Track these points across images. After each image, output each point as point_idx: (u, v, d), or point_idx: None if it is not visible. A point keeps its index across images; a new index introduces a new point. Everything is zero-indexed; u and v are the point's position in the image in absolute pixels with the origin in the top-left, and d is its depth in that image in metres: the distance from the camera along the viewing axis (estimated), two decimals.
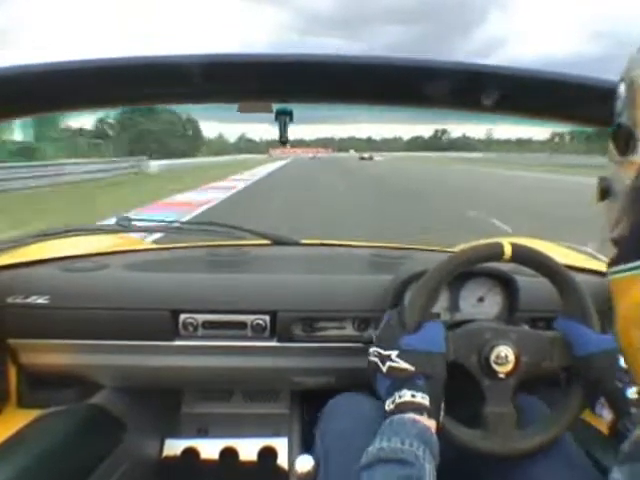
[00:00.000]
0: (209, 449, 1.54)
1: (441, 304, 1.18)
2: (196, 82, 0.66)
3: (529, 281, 1.16)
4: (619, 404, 0.81)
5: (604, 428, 1.09)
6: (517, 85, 0.66)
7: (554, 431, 0.87)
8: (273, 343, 1.21)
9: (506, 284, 1.16)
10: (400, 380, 0.81)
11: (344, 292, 1.22)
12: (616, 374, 0.80)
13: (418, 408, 0.77)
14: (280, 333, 1.20)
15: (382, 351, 0.85)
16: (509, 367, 0.86)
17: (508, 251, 0.89)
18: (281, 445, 1.54)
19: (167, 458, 1.51)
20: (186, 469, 1.49)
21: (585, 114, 0.72)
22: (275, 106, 0.80)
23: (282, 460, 1.51)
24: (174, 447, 1.53)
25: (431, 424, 0.77)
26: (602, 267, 1.42)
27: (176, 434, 1.59)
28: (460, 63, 0.64)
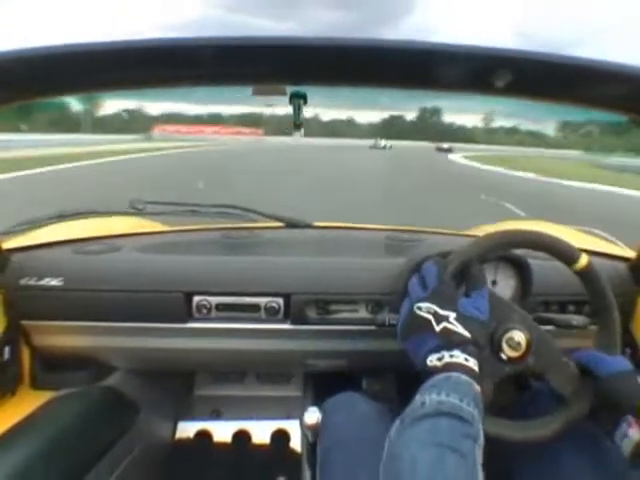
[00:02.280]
0: (222, 431, 1.55)
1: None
2: (210, 65, 0.66)
3: (542, 265, 1.14)
4: None
5: (628, 449, 1.07)
6: (532, 68, 0.66)
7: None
8: (286, 326, 1.21)
9: (520, 268, 1.14)
10: (452, 342, 0.79)
11: (357, 275, 1.21)
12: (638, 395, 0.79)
13: (469, 372, 0.75)
14: (293, 316, 1.19)
15: (439, 310, 0.82)
16: (519, 353, 0.86)
17: (583, 263, 0.90)
18: (294, 428, 1.55)
19: (180, 440, 1.52)
20: (199, 451, 1.51)
21: (600, 98, 0.72)
22: (289, 89, 0.79)
23: (295, 443, 1.52)
24: (187, 429, 1.55)
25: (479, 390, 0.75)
26: (619, 251, 1.41)
27: (189, 416, 1.60)
28: (474, 46, 0.63)
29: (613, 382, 0.81)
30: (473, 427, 0.66)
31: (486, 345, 0.85)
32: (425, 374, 0.79)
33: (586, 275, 0.92)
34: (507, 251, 0.98)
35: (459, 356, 0.76)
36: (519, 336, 0.86)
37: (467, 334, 0.79)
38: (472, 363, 0.76)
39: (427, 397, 0.70)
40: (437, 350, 0.78)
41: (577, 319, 1.02)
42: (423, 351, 0.81)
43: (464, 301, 0.84)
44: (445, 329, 0.80)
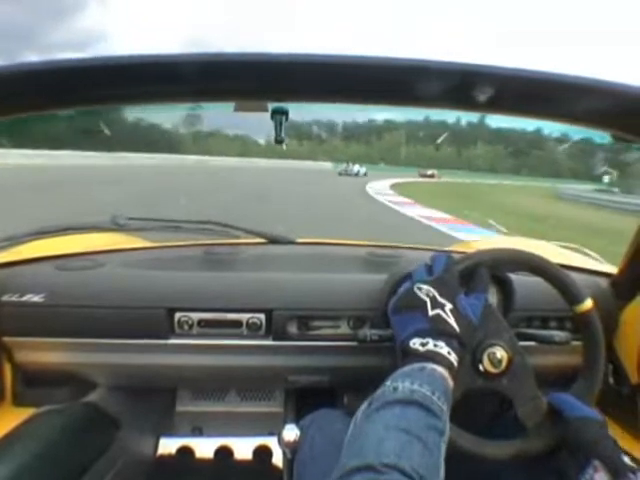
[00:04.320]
0: (204, 448, 1.54)
1: None
2: (192, 81, 0.66)
3: (524, 281, 1.16)
4: (617, 466, 0.80)
5: None
6: (513, 84, 0.67)
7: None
8: (268, 342, 1.21)
9: (502, 284, 1.16)
10: (440, 331, 0.79)
11: (339, 291, 1.22)
12: (608, 441, 0.79)
13: (448, 366, 0.75)
14: (275, 331, 1.20)
15: (437, 296, 0.82)
16: (496, 370, 0.88)
17: (588, 306, 0.92)
18: (276, 444, 1.54)
19: (162, 457, 1.51)
20: (181, 468, 1.50)
21: (581, 114, 0.73)
22: (271, 105, 0.80)
23: (277, 459, 1.51)
24: (169, 446, 1.54)
25: (452, 387, 0.76)
26: (601, 267, 1.44)
27: (171, 433, 1.59)
28: (454, 63, 0.65)
29: (581, 426, 0.81)
30: (441, 421, 0.67)
31: (468, 350, 0.86)
32: (403, 354, 0.80)
33: (586, 319, 0.93)
34: (516, 271, 0.98)
35: (443, 347, 0.76)
36: (502, 354, 0.88)
37: (457, 329, 0.79)
38: (453, 358, 0.76)
39: (400, 384, 0.70)
40: (423, 335, 0.78)
41: (559, 335, 1.03)
42: (409, 330, 0.81)
43: (462, 298, 0.85)
44: (438, 316, 0.80)
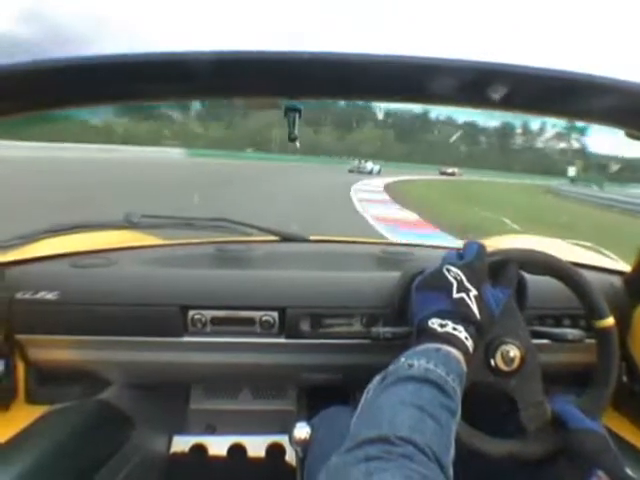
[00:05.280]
0: (217, 446, 1.54)
1: None
2: (205, 79, 0.66)
3: (537, 279, 1.15)
4: (621, 477, 0.79)
5: None
6: (527, 82, 0.67)
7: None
8: (281, 340, 1.21)
9: (517, 282, 1.15)
10: (461, 315, 0.78)
11: (352, 289, 1.22)
12: (611, 453, 0.78)
13: (464, 351, 0.75)
14: (288, 329, 1.19)
15: (465, 281, 0.82)
16: (506, 368, 0.87)
17: (609, 323, 0.91)
18: (288, 442, 1.54)
19: (175, 454, 1.51)
20: (194, 466, 1.50)
21: (594, 112, 0.73)
22: (284, 102, 0.80)
23: (290, 457, 1.51)
24: (182, 444, 1.54)
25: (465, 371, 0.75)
26: (614, 265, 1.42)
27: (184, 431, 1.60)
28: (469, 60, 0.64)
29: (584, 437, 0.80)
30: (453, 402, 0.66)
31: (483, 342, 0.86)
32: (419, 332, 0.79)
33: (605, 335, 0.93)
34: (544, 275, 0.98)
35: (461, 332, 0.76)
36: (515, 353, 0.87)
37: (478, 316, 0.79)
38: (469, 344, 0.76)
39: (416, 361, 0.70)
40: (443, 316, 0.78)
41: (572, 333, 1.02)
42: (431, 309, 0.80)
43: (489, 288, 0.84)
44: (462, 300, 0.79)
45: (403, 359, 0.72)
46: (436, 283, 0.84)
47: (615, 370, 0.93)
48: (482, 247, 0.88)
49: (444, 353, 0.73)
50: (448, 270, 0.83)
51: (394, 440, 0.55)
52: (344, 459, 0.55)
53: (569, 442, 0.82)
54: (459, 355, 0.74)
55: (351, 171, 35.71)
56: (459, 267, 0.84)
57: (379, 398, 0.67)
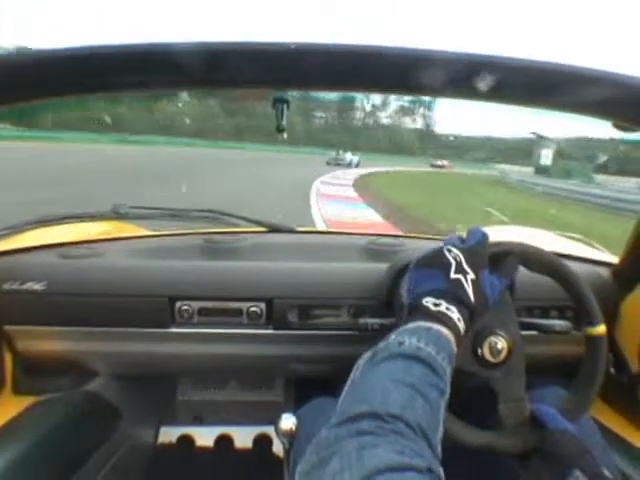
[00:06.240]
0: (204, 437, 1.55)
1: None
2: (194, 70, 0.66)
3: (524, 271, 1.16)
4: (599, 477, 0.79)
5: None
6: (515, 73, 0.67)
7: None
8: (269, 331, 1.21)
9: None
10: (456, 296, 0.78)
11: (340, 280, 1.22)
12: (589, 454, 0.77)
13: (455, 332, 0.75)
14: (276, 320, 1.20)
15: (464, 263, 0.81)
16: (491, 359, 0.87)
17: (600, 330, 0.90)
18: None
19: (162, 445, 1.52)
20: (181, 456, 1.50)
21: (583, 103, 0.73)
22: (272, 94, 0.80)
23: (277, 447, 1.52)
24: (169, 434, 1.54)
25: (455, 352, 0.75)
26: (602, 257, 1.44)
27: (171, 422, 1.60)
28: (458, 53, 0.65)
29: (561, 438, 0.80)
30: (443, 381, 0.66)
31: (473, 329, 0.85)
32: (410, 309, 0.79)
33: (595, 342, 0.92)
34: (540, 273, 0.98)
35: (454, 313, 0.76)
36: (503, 345, 0.87)
37: (472, 298, 0.79)
38: (461, 325, 0.76)
39: (407, 339, 0.70)
40: (438, 295, 0.78)
41: (560, 324, 1.02)
42: (425, 287, 0.80)
43: (486, 273, 0.83)
44: (458, 281, 0.79)
45: (393, 336, 0.72)
46: (435, 261, 0.83)
47: (600, 376, 0.92)
48: (485, 235, 0.88)
49: (435, 332, 0.73)
50: (449, 250, 0.83)
51: (386, 417, 0.55)
52: (335, 432, 0.55)
53: (546, 443, 0.82)
54: (450, 335, 0.74)
55: (329, 163, 32.62)
56: (460, 249, 0.84)
57: (369, 374, 0.67)
